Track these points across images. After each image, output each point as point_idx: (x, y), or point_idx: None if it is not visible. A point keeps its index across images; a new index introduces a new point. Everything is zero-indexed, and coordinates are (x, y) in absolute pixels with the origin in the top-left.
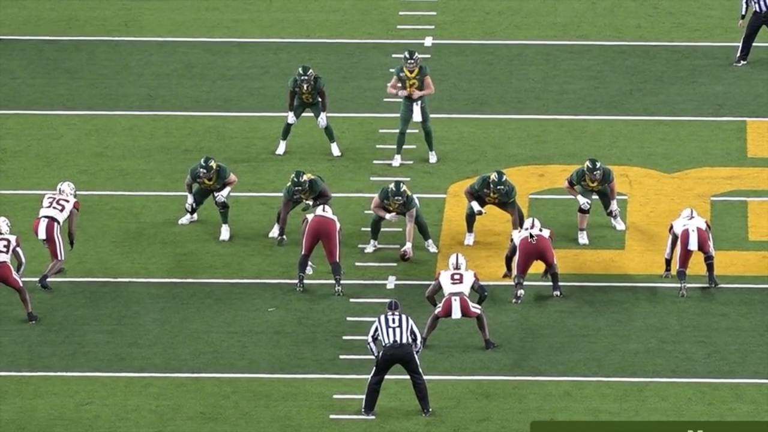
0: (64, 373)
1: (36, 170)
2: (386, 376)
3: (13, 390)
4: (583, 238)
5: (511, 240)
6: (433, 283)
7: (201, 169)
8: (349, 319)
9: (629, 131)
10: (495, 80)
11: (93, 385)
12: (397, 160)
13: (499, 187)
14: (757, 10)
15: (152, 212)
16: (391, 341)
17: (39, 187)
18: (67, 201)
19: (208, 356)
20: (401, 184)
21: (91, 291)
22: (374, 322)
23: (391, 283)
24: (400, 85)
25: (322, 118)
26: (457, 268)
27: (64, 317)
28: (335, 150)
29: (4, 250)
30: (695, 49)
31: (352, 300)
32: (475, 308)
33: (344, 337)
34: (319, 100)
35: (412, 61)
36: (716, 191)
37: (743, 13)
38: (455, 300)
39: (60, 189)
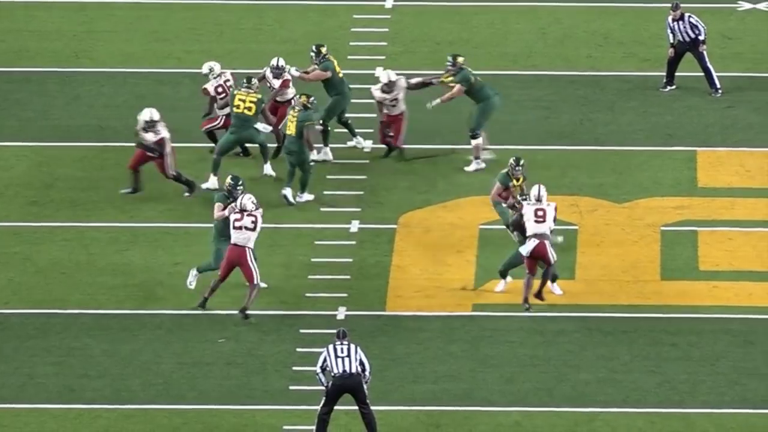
0: (13, 405)
1: None
2: (336, 407)
3: None
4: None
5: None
6: (516, 214)
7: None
8: (299, 350)
9: (579, 161)
10: (446, 110)
11: (43, 417)
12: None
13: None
14: (681, 39)
15: (102, 243)
16: (341, 371)
17: None
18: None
19: (158, 388)
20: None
21: (40, 322)
22: (323, 352)
23: (341, 313)
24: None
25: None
26: (538, 200)
27: (14, 349)
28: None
29: (251, 227)
30: (646, 79)
31: (302, 331)
32: (552, 255)
33: (294, 368)
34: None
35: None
36: (666, 221)
37: (671, 41)
38: (535, 241)
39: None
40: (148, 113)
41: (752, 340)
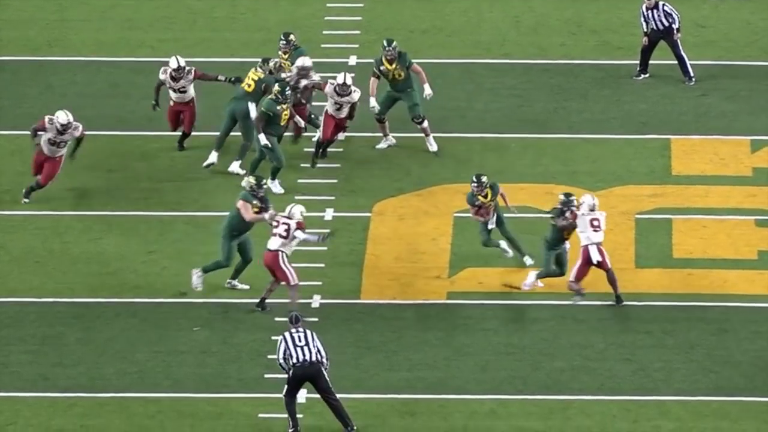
0: None
1: None
2: (310, 396)
3: None
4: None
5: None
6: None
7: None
8: (273, 338)
9: (553, 149)
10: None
11: (17, 406)
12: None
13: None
14: (654, 28)
15: (76, 232)
16: (300, 360)
17: None
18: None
19: (133, 376)
20: None
21: (15, 311)
22: (280, 341)
23: (316, 301)
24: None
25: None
26: (592, 210)
27: None
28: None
29: (284, 235)
30: (619, 67)
31: (276, 319)
32: (608, 260)
33: (269, 356)
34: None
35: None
36: (641, 209)
37: (645, 30)
38: (595, 247)
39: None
40: (65, 115)
41: (726, 328)
